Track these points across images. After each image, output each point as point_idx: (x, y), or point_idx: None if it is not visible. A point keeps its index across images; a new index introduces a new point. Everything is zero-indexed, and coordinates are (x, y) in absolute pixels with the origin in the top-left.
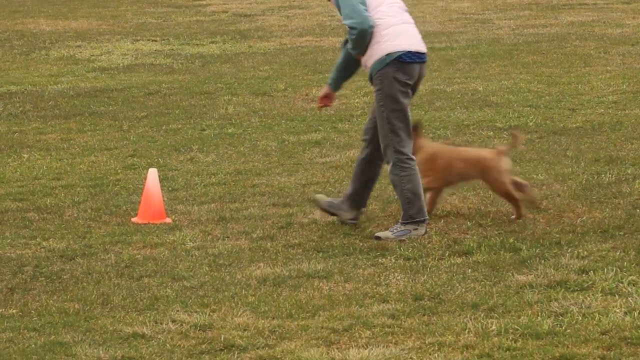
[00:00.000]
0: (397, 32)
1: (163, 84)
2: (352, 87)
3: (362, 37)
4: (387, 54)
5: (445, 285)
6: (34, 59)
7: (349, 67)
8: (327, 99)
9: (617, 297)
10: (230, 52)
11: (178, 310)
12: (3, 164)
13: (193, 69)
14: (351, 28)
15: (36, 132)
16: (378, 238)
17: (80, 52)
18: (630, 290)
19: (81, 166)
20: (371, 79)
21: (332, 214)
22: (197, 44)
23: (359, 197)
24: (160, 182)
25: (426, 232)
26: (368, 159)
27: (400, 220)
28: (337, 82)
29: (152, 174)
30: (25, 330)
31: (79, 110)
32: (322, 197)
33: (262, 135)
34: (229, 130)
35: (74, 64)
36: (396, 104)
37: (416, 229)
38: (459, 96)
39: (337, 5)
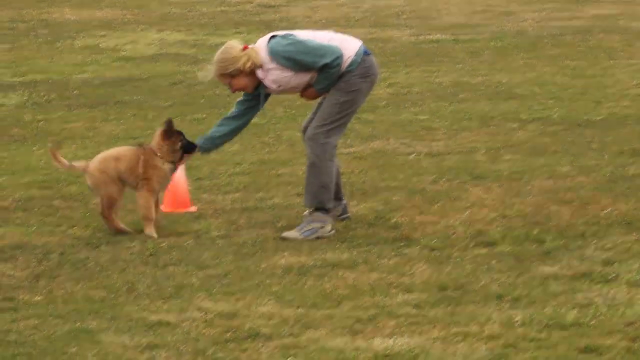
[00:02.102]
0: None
1: (188, 74)
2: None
3: (338, 69)
4: (351, 63)
5: (470, 276)
6: (59, 48)
7: (234, 135)
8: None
9: None
10: (254, 42)
11: (203, 299)
12: (29, 153)
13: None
14: (331, 63)
15: (61, 121)
16: (284, 239)
17: (105, 42)
18: None
19: None
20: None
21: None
22: (222, 34)
23: (335, 190)
24: (185, 171)
25: (333, 229)
26: None
27: (307, 206)
28: (213, 148)
29: None
30: (51, 317)
31: (104, 100)
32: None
33: (286, 125)
34: (253, 120)
35: (99, 53)
36: (352, 104)
37: (323, 227)
38: (483, 88)
39: (295, 63)
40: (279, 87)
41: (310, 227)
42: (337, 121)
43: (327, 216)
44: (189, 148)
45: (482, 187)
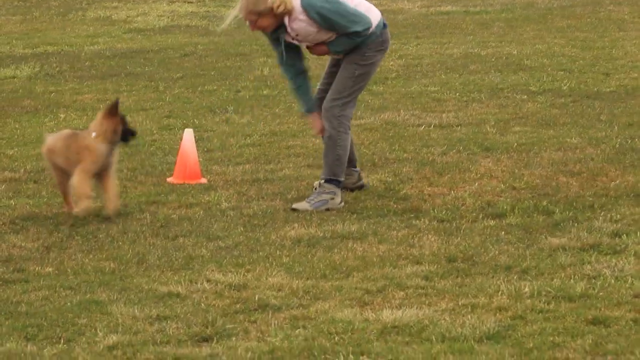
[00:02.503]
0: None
1: (199, 46)
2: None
3: (366, 36)
4: (370, 35)
5: (479, 248)
6: (71, 20)
7: (308, 79)
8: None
9: None
10: None
11: (213, 270)
12: (40, 124)
13: (228, 30)
14: (361, 32)
15: (73, 93)
16: (294, 210)
17: (117, 13)
18: None
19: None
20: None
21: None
22: (233, 6)
23: (349, 159)
24: (195, 142)
25: (342, 201)
26: None
27: (322, 178)
28: (316, 101)
29: (188, 134)
30: (61, 289)
31: (115, 71)
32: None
33: None
34: (264, 92)
35: (111, 25)
36: (365, 78)
37: (333, 198)
38: (493, 60)
39: (325, 21)
40: (297, 36)
41: (320, 199)
42: (352, 94)
43: (338, 188)
44: (126, 135)
45: (492, 159)
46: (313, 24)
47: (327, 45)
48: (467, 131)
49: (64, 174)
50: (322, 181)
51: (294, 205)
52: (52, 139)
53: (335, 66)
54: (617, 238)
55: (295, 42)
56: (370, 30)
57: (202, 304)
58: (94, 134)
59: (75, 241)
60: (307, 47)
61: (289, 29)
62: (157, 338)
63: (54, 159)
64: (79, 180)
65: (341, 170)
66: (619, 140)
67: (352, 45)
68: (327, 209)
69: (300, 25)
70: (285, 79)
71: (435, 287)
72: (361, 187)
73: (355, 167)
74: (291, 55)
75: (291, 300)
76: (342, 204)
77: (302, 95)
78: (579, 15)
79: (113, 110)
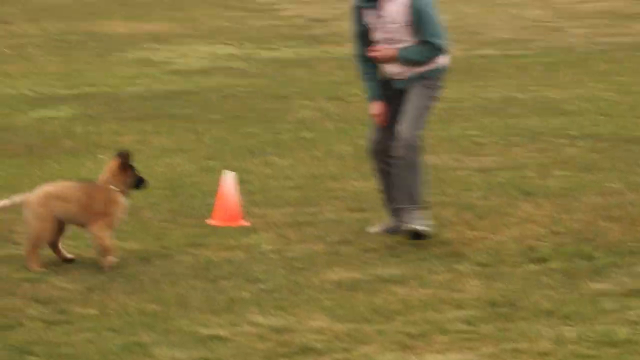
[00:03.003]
0: None
1: (238, 88)
2: None
3: (437, 56)
4: (444, 66)
5: (521, 292)
6: (111, 61)
7: (376, 70)
8: (385, 114)
9: None
10: (304, 56)
11: (255, 313)
12: (79, 165)
13: (268, 72)
14: (439, 47)
15: (112, 134)
16: (417, 236)
17: (157, 55)
18: None
19: (157, 168)
20: (412, 81)
21: (396, 232)
22: (272, 48)
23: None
24: (236, 184)
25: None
26: (390, 166)
27: (410, 208)
28: (379, 90)
29: (229, 176)
30: (104, 330)
31: (155, 112)
32: (374, 229)
33: (337, 139)
34: (304, 134)
35: (150, 66)
36: (431, 107)
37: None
38: (532, 103)
39: (418, 17)
40: (379, 19)
41: (420, 215)
42: (424, 123)
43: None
44: (139, 183)
45: (532, 203)
46: (406, 13)
47: (399, 51)
48: (507, 175)
49: (59, 225)
50: (411, 208)
51: (418, 229)
52: (60, 188)
53: (388, 99)
54: None
55: (374, 24)
56: (442, 57)
57: (245, 347)
58: (112, 187)
59: (117, 283)
60: (375, 50)
61: (381, 6)
62: None
63: (60, 208)
64: (105, 235)
65: (421, 194)
66: None
67: (419, 60)
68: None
69: (393, 8)
70: (356, 61)
71: (477, 331)
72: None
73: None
74: (365, 42)
75: (334, 344)
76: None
77: (369, 82)
78: (618, 60)
79: (126, 162)
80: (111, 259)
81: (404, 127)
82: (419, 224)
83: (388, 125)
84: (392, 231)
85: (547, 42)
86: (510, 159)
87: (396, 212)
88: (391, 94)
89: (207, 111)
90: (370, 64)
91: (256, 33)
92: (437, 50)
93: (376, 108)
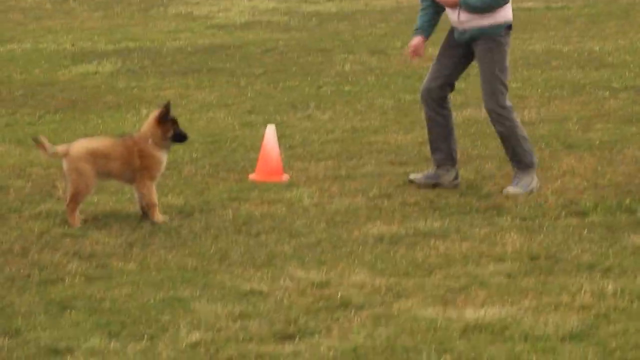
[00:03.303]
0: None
1: (280, 42)
2: None
3: (501, 6)
4: (506, 21)
5: (562, 246)
6: (152, 16)
7: (438, 13)
8: (419, 48)
9: None
10: (346, 10)
11: (295, 267)
12: (122, 119)
13: (310, 26)
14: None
15: (154, 88)
16: (507, 195)
17: (198, 9)
18: None
19: (199, 122)
20: (472, 38)
21: (435, 185)
22: (314, 2)
23: (450, 156)
24: (277, 139)
25: (538, 181)
26: (440, 115)
27: (518, 171)
28: (430, 29)
29: (270, 130)
30: (144, 285)
31: (197, 67)
32: (416, 175)
33: (378, 93)
34: (346, 88)
35: (192, 21)
36: (506, 60)
37: (532, 179)
38: (575, 56)
39: None
40: None
41: (524, 182)
42: (502, 83)
43: (534, 170)
44: (179, 138)
45: (574, 156)
46: None
47: None
48: (549, 128)
49: (95, 182)
50: (516, 168)
51: (506, 191)
52: (102, 143)
53: (451, 48)
54: None
55: None
56: (503, 11)
57: (285, 302)
58: (150, 141)
59: (158, 237)
60: None
61: None
62: (239, 335)
63: (103, 164)
64: (150, 190)
65: (530, 155)
66: None
67: (481, 7)
68: (531, 191)
69: None
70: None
71: (518, 285)
72: (456, 185)
73: (455, 163)
74: None
75: (373, 298)
76: (539, 183)
77: (421, 17)
78: None
79: (165, 115)
80: (159, 216)
81: (484, 101)
82: (513, 188)
83: (442, 73)
84: (433, 180)
85: None
86: (552, 111)
87: (439, 163)
88: (453, 44)
89: (248, 65)
90: (430, 2)
91: None
92: None
93: (414, 40)
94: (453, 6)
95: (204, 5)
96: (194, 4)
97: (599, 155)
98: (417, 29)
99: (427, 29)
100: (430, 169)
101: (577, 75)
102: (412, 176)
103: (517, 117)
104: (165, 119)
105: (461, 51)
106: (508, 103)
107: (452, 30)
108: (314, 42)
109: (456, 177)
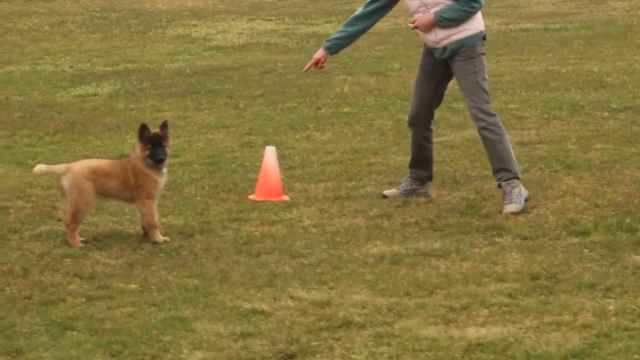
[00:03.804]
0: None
1: (279, 63)
2: None
3: (475, 12)
4: (481, 31)
5: (562, 265)
6: (151, 38)
7: (360, 36)
8: (321, 63)
9: None
10: None
11: (296, 287)
12: (121, 141)
13: (308, 48)
14: (475, 2)
15: (153, 110)
16: (508, 215)
17: (196, 31)
18: None
19: (198, 144)
20: (453, 53)
21: (409, 194)
22: (312, 24)
23: (430, 174)
24: (277, 159)
25: (527, 192)
26: (426, 138)
27: (502, 181)
28: (343, 48)
29: (270, 151)
30: (146, 305)
31: (196, 89)
32: (391, 191)
33: (377, 114)
34: (345, 110)
35: (190, 43)
36: (485, 71)
37: (520, 188)
38: (573, 77)
39: None
40: None
41: (516, 193)
42: (483, 89)
43: (518, 179)
44: (154, 158)
45: (574, 176)
46: None
47: (435, 15)
48: (548, 148)
49: (95, 200)
50: (503, 183)
51: (506, 211)
52: (102, 163)
53: (430, 64)
54: None
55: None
56: (478, 11)
57: (286, 321)
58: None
59: (158, 258)
60: (413, 22)
61: None
62: (241, 355)
63: (104, 183)
64: (151, 210)
65: (516, 164)
66: None
67: (458, 19)
68: (526, 200)
69: None
70: (351, 18)
71: (519, 304)
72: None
73: (428, 181)
74: (378, 7)
75: (375, 318)
76: (527, 192)
77: (340, 33)
78: None
79: (139, 136)
80: (159, 236)
81: (471, 112)
82: (510, 206)
83: (426, 98)
84: (410, 193)
85: (588, 15)
86: (551, 132)
87: (420, 180)
88: (432, 68)
89: (247, 87)
90: (357, 25)
91: (296, 8)
92: (472, 4)
93: (319, 53)
94: (430, 28)
95: (202, 27)
96: (192, 25)
97: (599, 175)
98: (327, 45)
99: (334, 47)
100: (404, 183)
101: (576, 96)
102: (386, 192)
103: (502, 128)
104: (141, 140)
105: (439, 73)
106: (493, 112)
107: (426, 53)
108: None
109: (427, 191)
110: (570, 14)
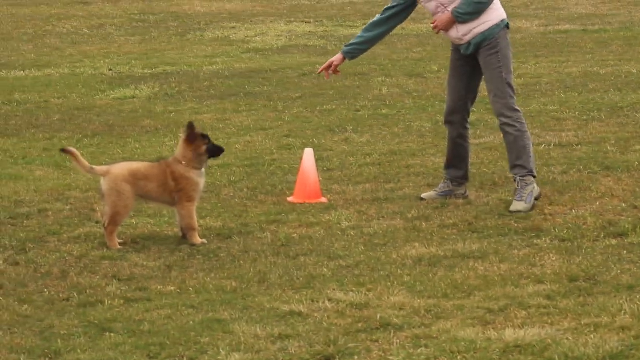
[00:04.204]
0: (498, 1)
1: (317, 65)
2: None
3: (489, 3)
4: (503, 20)
5: (601, 267)
6: (189, 40)
7: (377, 41)
8: (335, 68)
9: None
10: None
11: (334, 289)
12: (160, 144)
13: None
14: None
15: (192, 112)
16: (513, 212)
17: (235, 34)
18: None
19: (237, 146)
20: (478, 47)
21: (446, 195)
22: (350, 26)
23: (465, 174)
24: (315, 162)
25: (539, 191)
26: (461, 136)
27: (518, 177)
28: (361, 53)
29: (309, 153)
30: (184, 307)
31: (234, 91)
32: (429, 193)
33: (416, 116)
34: (383, 111)
35: (229, 45)
36: (511, 63)
37: (533, 186)
38: (612, 78)
39: None
40: None
41: (528, 191)
42: (508, 83)
43: (534, 178)
44: (214, 152)
45: (612, 178)
46: None
47: (453, 11)
48: (587, 150)
49: (134, 203)
50: (519, 178)
51: (512, 208)
52: (142, 166)
53: (459, 60)
54: None
55: (426, 4)
56: (494, 12)
57: (324, 323)
58: (183, 163)
59: (196, 260)
60: (433, 23)
61: None
62: (279, 357)
63: (143, 186)
64: (190, 212)
65: (533, 162)
66: None
67: (475, 11)
68: (535, 199)
69: None
70: (368, 25)
71: (557, 306)
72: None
73: (464, 182)
74: (394, 14)
75: (413, 320)
76: (539, 190)
77: (358, 39)
78: None
79: (192, 135)
80: (198, 239)
81: (493, 106)
82: (518, 203)
83: (460, 95)
84: (448, 194)
85: (627, 16)
86: (590, 133)
87: (455, 180)
88: (462, 63)
89: (285, 89)
90: (374, 31)
91: (334, 11)
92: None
93: (336, 57)
94: (450, 25)
95: (241, 30)
96: (231, 28)
97: (638, 176)
98: (345, 49)
99: (354, 54)
100: (442, 185)
101: (615, 97)
102: (424, 195)
103: (524, 124)
104: (193, 138)
105: (469, 68)
106: (517, 107)
107: (454, 50)
108: (351, 65)
109: (465, 192)
110: (609, 15)
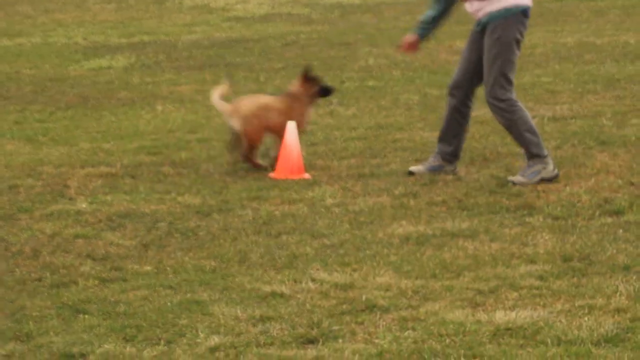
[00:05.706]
0: None
1: (301, 35)
2: None
3: None
4: (518, 6)
5: (596, 246)
6: (168, 8)
7: (444, 17)
8: (413, 46)
9: None
10: (370, 1)
11: (318, 269)
12: (136, 116)
13: (332, 19)
14: None
15: (170, 84)
16: (512, 183)
17: (215, 1)
18: None
19: (217, 119)
20: (484, 27)
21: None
22: None
23: (456, 152)
24: (299, 136)
25: (555, 169)
26: (460, 112)
27: (527, 163)
28: (429, 32)
29: (291, 127)
30: (161, 288)
31: (214, 61)
32: (417, 167)
33: (403, 88)
34: (370, 83)
35: (208, 13)
36: (512, 54)
37: (544, 167)
38: (609, 49)
39: None
40: None
41: (533, 170)
42: (502, 77)
43: (546, 158)
44: (325, 91)
45: (608, 153)
46: None
47: None
48: (582, 124)
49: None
50: (529, 161)
51: (512, 179)
52: (269, 100)
53: (476, 33)
54: None
55: None
56: None
57: (307, 305)
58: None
59: (174, 239)
60: None
61: None
62: (260, 340)
63: (271, 119)
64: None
65: (539, 146)
66: None
67: None
68: (542, 179)
69: None
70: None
71: (550, 287)
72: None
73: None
74: None
75: (400, 301)
76: (557, 171)
77: (425, 16)
78: None
79: (307, 76)
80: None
81: (484, 91)
82: (519, 177)
83: (469, 67)
84: (437, 171)
85: None
86: (585, 107)
87: (444, 156)
88: (478, 37)
89: (268, 59)
90: (435, 14)
91: None
92: None
93: (408, 36)
94: None
95: None
96: None
97: (634, 152)
98: (415, 29)
99: (425, 32)
100: (431, 159)
101: (612, 69)
102: (412, 168)
103: (521, 108)
104: (309, 78)
105: (483, 44)
106: (508, 96)
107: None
108: (337, 35)
109: (455, 169)
110: None
